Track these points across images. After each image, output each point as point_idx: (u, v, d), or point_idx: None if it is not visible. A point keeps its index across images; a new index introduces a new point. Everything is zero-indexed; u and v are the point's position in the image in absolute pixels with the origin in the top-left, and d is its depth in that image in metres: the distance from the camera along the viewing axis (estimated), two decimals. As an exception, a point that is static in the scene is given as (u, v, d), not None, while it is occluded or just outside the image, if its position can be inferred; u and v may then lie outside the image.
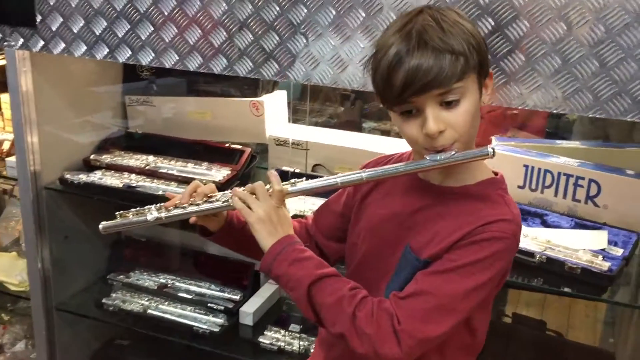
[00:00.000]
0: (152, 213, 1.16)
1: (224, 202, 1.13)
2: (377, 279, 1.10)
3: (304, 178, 1.16)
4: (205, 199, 1.15)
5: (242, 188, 1.13)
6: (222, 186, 1.84)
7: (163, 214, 1.16)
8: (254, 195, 1.09)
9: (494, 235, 0.99)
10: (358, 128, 2.40)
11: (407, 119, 1.00)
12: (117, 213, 1.20)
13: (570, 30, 1.17)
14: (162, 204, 1.18)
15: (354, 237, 1.18)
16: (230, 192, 1.13)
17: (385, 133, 2.33)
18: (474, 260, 0.98)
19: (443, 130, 0.97)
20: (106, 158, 1.99)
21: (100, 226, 1.21)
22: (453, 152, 0.99)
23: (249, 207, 1.08)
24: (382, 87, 0.99)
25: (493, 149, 1.00)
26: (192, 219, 1.16)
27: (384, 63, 0.97)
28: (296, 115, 2.16)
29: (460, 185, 1.07)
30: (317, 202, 1.77)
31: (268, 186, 1.12)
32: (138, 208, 1.19)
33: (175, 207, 1.16)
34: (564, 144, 1.82)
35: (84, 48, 1.60)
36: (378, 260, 1.11)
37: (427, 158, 1.01)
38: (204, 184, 1.19)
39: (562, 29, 1.17)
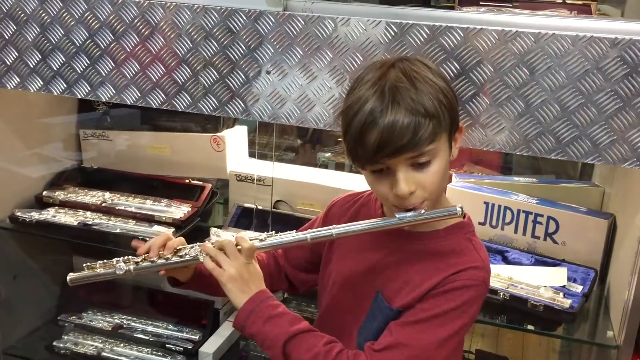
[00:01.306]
0: (120, 266, 1.14)
1: (193, 256, 1.13)
2: (349, 323, 1.10)
3: (274, 232, 1.14)
4: (173, 252, 1.14)
5: (211, 242, 1.12)
6: (182, 224, 1.80)
7: (132, 267, 1.14)
8: (224, 252, 1.09)
9: (465, 284, 1.00)
10: (313, 160, 2.41)
11: (378, 177, 1.00)
12: (84, 265, 1.18)
13: (533, 76, 1.20)
14: (129, 256, 1.17)
15: (325, 277, 1.18)
16: (198, 246, 1.13)
17: (340, 165, 2.34)
18: (446, 309, 0.99)
19: (413, 191, 0.98)
20: (60, 194, 1.92)
21: (68, 278, 1.19)
22: (422, 211, 1.00)
23: (220, 266, 1.07)
24: (354, 147, 0.99)
25: (461, 208, 1.02)
26: (162, 273, 1.16)
27: (357, 122, 0.96)
28: (252, 148, 2.14)
29: (429, 231, 1.08)
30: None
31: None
32: (105, 260, 1.17)
33: (144, 260, 1.14)
34: (521, 180, 1.87)
35: (39, 83, 1.55)
36: (349, 303, 1.11)
37: (397, 216, 1.02)
38: (173, 235, 1.21)
39: (525, 74, 1.21)
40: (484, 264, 1.04)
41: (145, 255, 1.14)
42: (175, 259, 1.14)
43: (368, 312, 1.07)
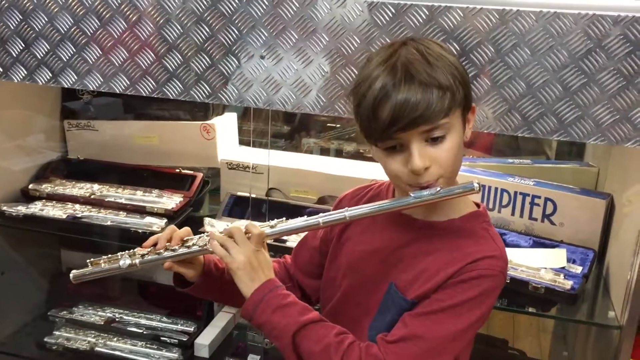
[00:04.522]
0: (124, 260, 1.09)
1: (201, 246, 1.08)
2: (360, 317, 1.06)
3: (285, 218, 1.10)
4: (180, 243, 1.09)
5: (220, 232, 1.08)
6: (174, 214, 1.76)
7: (137, 260, 1.09)
8: (233, 240, 1.04)
9: (481, 274, 0.97)
10: (299, 146, 2.37)
11: (391, 154, 0.97)
12: (88, 261, 1.13)
13: (534, 55, 1.18)
14: (134, 249, 1.12)
15: (332, 271, 1.14)
16: (207, 236, 1.08)
17: (325, 151, 2.31)
18: (462, 300, 0.96)
19: (428, 167, 0.95)
20: (47, 187, 1.87)
21: (71, 275, 1.14)
22: (438, 189, 0.97)
23: (229, 253, 1.03)
24: (366, 122, 0.95)
25: (478, 183, 0.99)
26: (167, 265, 1.09)
27: (369, 97, 0.93)
28: (241, 135, 2.11)
29: (444, 220, 1.04)
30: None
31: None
32: (110, 255, 1.12)
33: (150, 253, 1.09)
34: (516, 162, 1.85)
35: (23, 72, 1.49)
36: (360, 297, 1.08)
37: (412, 195, 0.98)
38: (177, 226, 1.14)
39: (526, 54, 1.19)
40: (501, 254, 1.01)
41: (151, 248, 1.10)
42: (182, 250, 1.09)
43: (380, 305, 1.04)
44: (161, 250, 1.09)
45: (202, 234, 1.11)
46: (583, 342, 1.76)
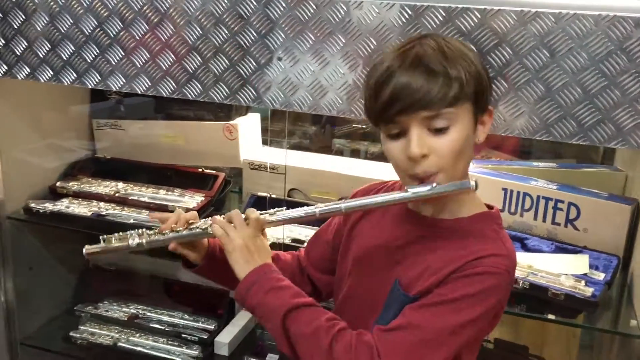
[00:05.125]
0: (133, 238, 1.15)
1: (203, 229, 1.13)
2: (365, 314, 1.05)
3: (284, 207, 1.13)
4: (186, 225, 1.14)
5: (222, 216, 1.11)
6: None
7: (144, 240, 1.15)
8: (232, 224, 1.07)
9: (486, 270, 0.95)
10: (329, 148, 2.37)
11: (394, 142, 0.97)
12: (100, 237, 1.18)
13: (553, 58, 1.16)
14: (143, 229, 1.17)
15: (342, 268, 1.14)
16: (210, 220, 1.11)
17: (355, 152, 2.31)
18: (464, 294, 0.94)
19: (427, 155, 0.94)
20: (73, 185, 1.91)
21: (84, 250, 1.19)
22: (434, 184, 0.96)
23: (228, 235, 1.06)
24: (368, 101, 0.97)
25: (475, 181, 0.97)
26: (172, 246, 1.14)
27: (374, 79, 0.95)
28: (265, 136, 2.12)
29: (452, 218, 1.03)
30: (294, 229, 1.74)
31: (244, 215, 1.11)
32: (121, 233, 1.18)
33: (156, 233, 1.15)
34: (541, 165, 1.82)
35: (50, 73, 1.53)
36: (365, 294, 1.07)
37: (409, 190, 0.97)
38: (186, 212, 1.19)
39: (545, 56, 1.16)
40: (508, 254, 0.99)
41: (158, 228, 1.15)
42: (185, 232, 1.14)
43: (385, 302, 1.03)
44: (167, 232, 1.14)
45: (206, 219, 1.14)
46: (608, 350, 1.72)
